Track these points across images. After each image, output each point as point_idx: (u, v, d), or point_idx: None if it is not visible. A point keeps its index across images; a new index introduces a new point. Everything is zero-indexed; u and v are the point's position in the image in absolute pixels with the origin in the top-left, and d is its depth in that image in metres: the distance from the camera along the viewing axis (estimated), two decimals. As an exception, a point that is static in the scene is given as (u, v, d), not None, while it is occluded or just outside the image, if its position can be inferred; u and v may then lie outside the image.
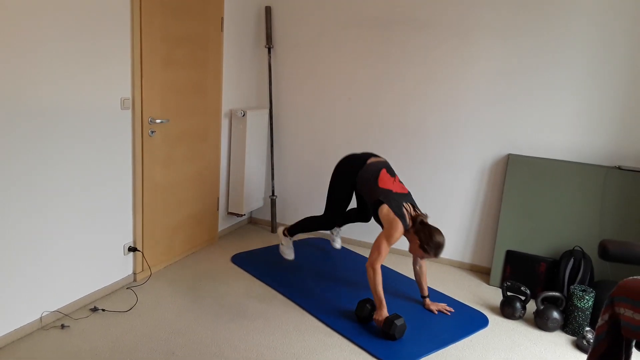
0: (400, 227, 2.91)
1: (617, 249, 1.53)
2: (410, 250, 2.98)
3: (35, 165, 2.58)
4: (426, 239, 2.86)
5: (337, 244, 4.04)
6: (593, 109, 3.50)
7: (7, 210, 2.48)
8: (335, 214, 3.37)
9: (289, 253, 3.71)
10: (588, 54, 3.45)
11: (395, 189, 3.05)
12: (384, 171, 3.13)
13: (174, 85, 3.46)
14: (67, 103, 2.70)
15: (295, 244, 4.27)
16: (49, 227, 2.71)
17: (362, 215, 3.63)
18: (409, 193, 3.09)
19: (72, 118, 2.75)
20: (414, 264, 3.24)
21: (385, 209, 2.95)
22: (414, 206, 3.04)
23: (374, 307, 2.99)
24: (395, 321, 2.80)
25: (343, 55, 4.19)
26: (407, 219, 2.95)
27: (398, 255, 4.23)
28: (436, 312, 3.19)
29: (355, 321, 3.03)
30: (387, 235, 2.91)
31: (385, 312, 2.89)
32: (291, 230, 3.64)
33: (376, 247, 2.92)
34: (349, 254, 4.12)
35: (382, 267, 3.82)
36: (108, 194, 3.06)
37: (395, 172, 3.82)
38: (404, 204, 2.99)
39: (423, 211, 4.08)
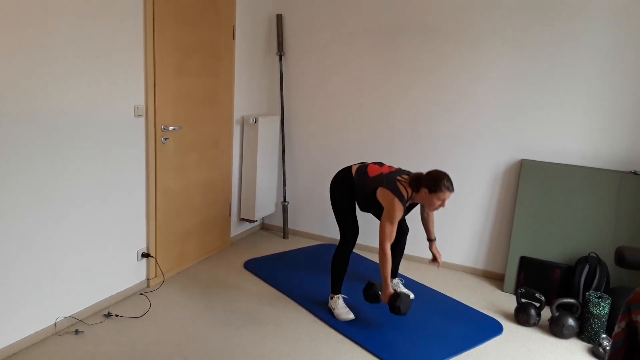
0: (398, 204, 2.86)
1: (634, 256, 1.50)
2: (427, 206, 2.91)
3: (50, 173, 2.61)
4: (431, 185, 2.80)
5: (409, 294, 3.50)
6: (606, 113, 3.47)
7: (23, 217, 2.51)
8: (348, 228, 3.15)
9: (345, 313, 3.14)
10: (600, 58, 3.42)
11: (385, 171, 3.02)
12: (371, 165, 3.10)
13: (187, 93, 3.50)
14: (81, 111, 2.74)
15: (308, 249, 4.27)
16: (63, 234, 2.74)
17: None
18: (399, 168, 3.06)
19: (87, 126, 2.79)
20: (422, 211, 3.29)
21: (380, 192, 2.92)
22: (409, 174, 3.00)
23: (380, 289, 3.06)
24: (401, 295, 2.87)
25: (353, 62, 4.20)
26: (403, 191, 2.89)
27: (411, 261, 4.20)
28: (434, 258, 3.29)
29: (367, 328, 3.02)
30: (388, 216, 2.87)
31: (390, 291, 2.91)
32: (333, 288, 3.23)
33: (382, 230, 2.89)
34: (362, 260, 4.11)
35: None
36: (122, 201, 3.10)
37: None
38: (397, 177, 2.94)
39: (435, 217, 4.06)
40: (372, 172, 3.04)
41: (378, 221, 4.05)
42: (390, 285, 2.94)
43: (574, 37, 3.47)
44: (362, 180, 3.06)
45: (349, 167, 3.18)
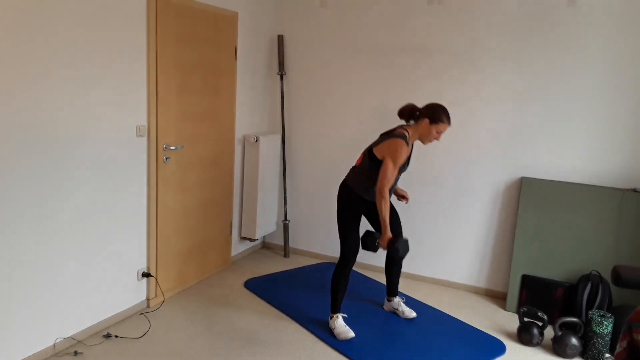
0: (402, 143, 2.87)
1: (631, 274, 1.50)
2: (422, 139, 2.97)
3: (50, 191, 2.63)
4: (432, 115, 2.87)
5: (409, 314, 3.46)
6: (606, 131, 3.48)
7: (22, 236, 2.52)
8: (348, 242, 3.13)
9: (345, 332, 3.11)
10: (600, 75, 3.45)
11: (366, 149, 3.06)
12: (357, 162, 3.16)
13: (189, 112, 3.53)
14: (84, 130, 2.77)
15: (310, 268, 4.26)
16: (63, 253, 2.74)
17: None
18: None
19: (89, 145, 2.81)
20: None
21: (380, 146, 2.95)
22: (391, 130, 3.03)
23: (374, 237, 3.08)
24: (400, 238, 2.94)
25: (354, 81, 4.24)
26: (402, 132, 2.92)
27: (413, 280, 4.18)
28: (403, 197, 3.30)
29: (368, 348, 2.99)
30: (392, 155, 2.87)
31: (389, 235, 2.93)
32: (333, 307, 3.20)
33: (383, 171, 2.88)
34: (364, 280, 4.09)
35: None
36: (123, 220, 3.10)
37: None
38: (394, 130, 2.99)
39: (435, 234, 4.05)
40: (358, 161, 3.12)
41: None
42: (389, 229, 2.94)
43: (572, 54, 3.51)
44: (357, 172, 3.10)
45: (343, 180, 3.22)
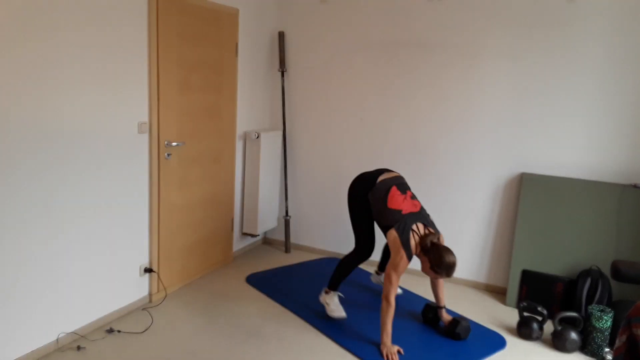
0: (404, 257, 2.83)
1: (630, 269, 1.52)
2: (423, 270, 2.91)
3: (53, 188, 2.64)
4: (436, 261, 2.78)
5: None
6: (606, 126, 3.49)
7: (25, 233, 2.54)
8: (364, 239, 3.17)
9: (338, 310, 3.21)
10: (599, 70, 3.46)
11: (405, 208, 2.93)
12: (394, 189, 3.01)
13: (190, 108, 3.54)
14: (86, 127, 2.78)
15: (311, 263, 4.28)
16: (66, 249, 2.76)
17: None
18: (421, 210, 2.98)
19: (91, 142, 2.82)
20: (432, 286, 3.25)
21: (392, 235, 2.87)
22: (426, 224, 2.92)
23: (435, 314, 3.23)
24: (462, 322, 3.07)
25: (355, 77, 4.24)
26: (413, 246, 2.84)
27: (413, 275, 4.20)
28: (445, 323, 3.18)
29: (369, 342, 3.01)
30: (393, 266, 2.86)
31: (388, 343, 2.88)
32: (331, 284, 3.26)
33: (387, 279, 2.87)
34: (367, 275, 4.11)
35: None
36: (125, 216, 3.12)
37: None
38: (413, 225, 2.87)
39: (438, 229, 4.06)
40: (392, 202, 2.96)
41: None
42: (389, 338, 2.89)
43: (572, 50, 3.51)
44: (379, 203, 3.01)
45: (375, 176, 3.11)
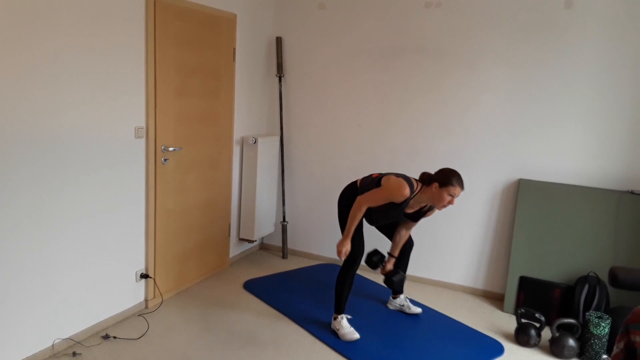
0: (405, 187, 2.88)
1: (627, 276, 1.51)
2: (436, 203, 2.89)
3: (49, 193, 2.63)
4: (444, 177, 2.83)
5: (414, 309, 3.52)
6: (603, 133, 3.50)
7: (21, 238, 2.52)
8: (353, 244, 3.12)
9: (350, 333, 3.11)
10: (597, 77, 3.47)
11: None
12: (374, 174, 3.19)
13: (187, 114, 3.53)
14: (83, 132, 2.77)
15: (308, 269, 4.26)
16: (61, 254, 2.75)
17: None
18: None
19: (88, 147, 2.81)
20: (399, 228, 3.34)
21: (387, 178, 2.99)
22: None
23: (381, 258, 3.34)
24: (400, 272, 3.31)
25: (352, 83, 4.25)
26: (414, 182, 2.95)
27: (411, 281, 4.19)
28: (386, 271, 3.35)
29: (367, 349, 3.00)
30: (389, 190, 2.90)
31: (348, 243, 3.04)
32: (336, 308, 3.20)
33: (373, 192, 2.96)
34: (365, 282, 4.10)
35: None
36: (121, 222, 3.10)
37: None
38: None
39: (434, 235, 4.06)
40: (376, 174, 3.16)
41: (384, 238, 4.05)
42: (350, 238, 3.05)
43: (569, 56, 3.52)
44: (366, 183, 3.12)
45: (355, 181, 3.27)
